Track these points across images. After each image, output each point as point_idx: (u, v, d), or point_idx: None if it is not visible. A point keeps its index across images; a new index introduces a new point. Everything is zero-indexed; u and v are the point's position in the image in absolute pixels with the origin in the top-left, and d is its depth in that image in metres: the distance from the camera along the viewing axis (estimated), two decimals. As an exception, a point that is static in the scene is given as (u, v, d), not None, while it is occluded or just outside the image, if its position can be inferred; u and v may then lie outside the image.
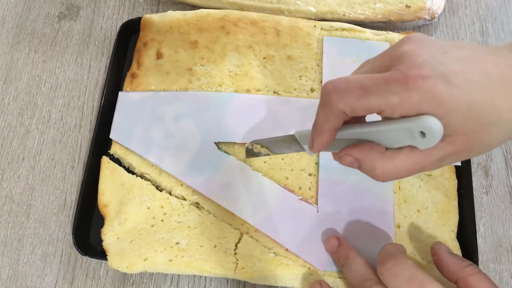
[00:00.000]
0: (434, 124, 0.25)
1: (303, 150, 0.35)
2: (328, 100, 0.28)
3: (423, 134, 0.25)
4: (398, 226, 0.42)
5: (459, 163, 0.44)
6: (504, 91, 0.25)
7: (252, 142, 0.38)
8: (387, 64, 0.27)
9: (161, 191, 0.43)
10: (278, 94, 0.47)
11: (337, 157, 0.31)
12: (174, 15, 0.50)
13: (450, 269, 0.35)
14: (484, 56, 0.26)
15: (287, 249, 0.40)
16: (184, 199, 0.43)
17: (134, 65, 0.49)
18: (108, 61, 0.50)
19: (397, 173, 0.28)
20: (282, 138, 0.37)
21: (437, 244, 0.38)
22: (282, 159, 0.44)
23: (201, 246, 0.41)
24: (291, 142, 0.35)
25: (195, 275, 0.43)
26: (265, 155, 0.39)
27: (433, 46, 0.27)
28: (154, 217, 0.42)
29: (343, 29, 0.49)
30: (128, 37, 0.52)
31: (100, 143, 0.46)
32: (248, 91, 0.47)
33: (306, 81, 0.47)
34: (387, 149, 0.28)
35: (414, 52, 0.26)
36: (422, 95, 0.25)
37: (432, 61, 0.26)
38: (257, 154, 0.39)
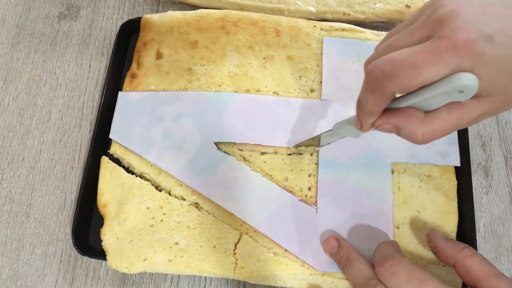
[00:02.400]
0: (471, 82, 0.24)
1: (347, 136, 0.37)
2: (379, 86, 0.26)
3: (461, 91, 0.25)
4: (397, 227, 0.42)
5: (458, 164, 0.44)
6: None
7: (296, 146, 0.42)
8: (428, 32, 0.26)
9: (160, 191, 0.43)
10: (278, 94, 0.47)
11: (375, 125, 0.30)
12: (174, 15, 0.50)
13: (447, 253, 0.36)
14: None
15: (286, 249, 0.40)
16: (184, 199, 0.43)
17: (134, 65, 0.49)
18: (108, 61, 0.50)
19: (436, 135, 0.28)
20: (323, 135, 0.39)
21: (432, 231, 0.38)
22: (282, 160, 0.44)
23: (201, 246, 0.41)
24: (332, 135, 0.37)
25: (195, 275, 0.43)
26: (312, 151, 0.43)
27: (471, 4, 0.25)
28: (153, 217, 0.42)
29: (343, 29, 0.49)
30: (128, 37, 0.52)
31: (100, 143, 0.46)
32: (248, 91, 0.47)
33: (306, 81, 0.47)
34: (425, 113, 0.28)
35: (455, 13, 0.25)
36: (473, 60, 0.24)
37: (475, 21, 0.24)
38: (303, 152, 0.43)
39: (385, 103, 0.28)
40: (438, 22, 0.25)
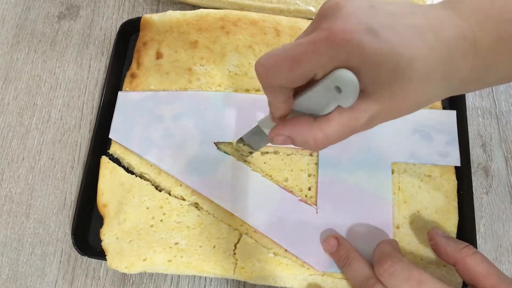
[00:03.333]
0: (346, 76, 0.23)
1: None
2: (264, 81, 0.27)
3: (339, 89, 0.24)
4: (398, 227, 0.42)
5: (458, 164, 0.43)
6: (434, 46, 0.24)
7: (237, 142, 0.39)
8: (316, 25, 0.26)
9: (160, 191, 0.43)
10: (277, 94, 0.47)
11: (269, 138, 0.31)
12: (173, 15, 0.50)
13: (447, 252, 0.36)
14: (415, 10, 0.25)
15: (286, 249, 0.40)
16: (184, 199, 0.43)
17: (133, 65, 0.49)
18: (108, 61, 0.50)
19: (330, 140, 0.27)
20: (252, 131, 0.37)
21: (432, 229, 0.38)
22: (282, 160, 0.44)
23: (200, 247, 0.41)
24: (259, 133, 0.35)
25: (195, 275, 0.43)
26: (250, 153, 0.39)
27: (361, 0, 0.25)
28: (153, 217, 0.42)
29: (343, 29, 0.49)
30: (128, 37, 0.52)
31: (100, 143, 0.46)
32: (247, 91, 0.47)
33: (306, 81, 0.47)
34: (315, 118, 0.27)
35: (339, 6, 0.25)
36: (348, 50, 0.23)
37: (359, 14, 0.24)
38: (244, 156, 0.40)
39: (280, 95, 0.27)
40: (323, 15, 0.26)
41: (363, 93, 0.25)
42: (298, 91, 0.28)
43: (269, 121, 0.32)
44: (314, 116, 0.28)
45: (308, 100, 0.27)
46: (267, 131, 0.33)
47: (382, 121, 0.27)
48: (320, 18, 0.26)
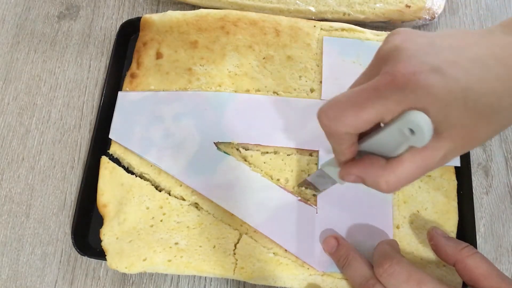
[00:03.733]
0: (419, 118, 0.23)
1: (335, 180, 0.35)
2: (328, 131, 0.27)
3: (412, 131, 0.24)
4: (397, 227, 0.42)
5: (458, 164, 0.43)
6: (502, 75, 0.24)
7: (298, 186, 0.41)
8: (377, 68, 0.26)
9: (160, 191, 0.43)
10: (277, 94, 0.47)
11: (339, 176, 0.31)
12: (173, 15, 0.50)
13: (448, 252, 0.36)
14: (476, 40, 0.25)
15: (286, 249, 0.40)
16: (183, 200, 0.43)
17: (133, 65, 0.49)
18: (108, 61, 0.50)
19: (402, 182, 0.27)
20: (315, 174, 0.37)
21: (433, 229, 0.38)
22: (282, 160, 0.44)
23: (200, 247, 0.41)
24: (323, 176, 0.35)
25: (194, 275, 0.43)
26: (314, 195, 0.41)
27: (419, 38, 0.25)
28: (153, 217, 0.42)
29: (343, 29, 0.49)
30: (128, 37, 0.52)
31: (100, 143, 0.46)
32: (247, 91, 0.47)
33: (306, 81, 0.47)
34: (388, 159, 0.27)
35: (399, 48, 0.25)
36: (416, 92, 0.23)
37: (420, 54, 0.24)
38: (303, 195, 0.42)
39: (346, 142, 0.27)
40: (383, 59, 0.25)
41: (435, 131, 0.24)
42: (363, 134, 0.28)
43: (334, 164, 0.32)
44: (384, 157, 0.27)
45: (377, 143, 0.27)
46: (331, 173, 0.33)
47: (456, 156, 0.27)
48: (381, 62, 0.25)
